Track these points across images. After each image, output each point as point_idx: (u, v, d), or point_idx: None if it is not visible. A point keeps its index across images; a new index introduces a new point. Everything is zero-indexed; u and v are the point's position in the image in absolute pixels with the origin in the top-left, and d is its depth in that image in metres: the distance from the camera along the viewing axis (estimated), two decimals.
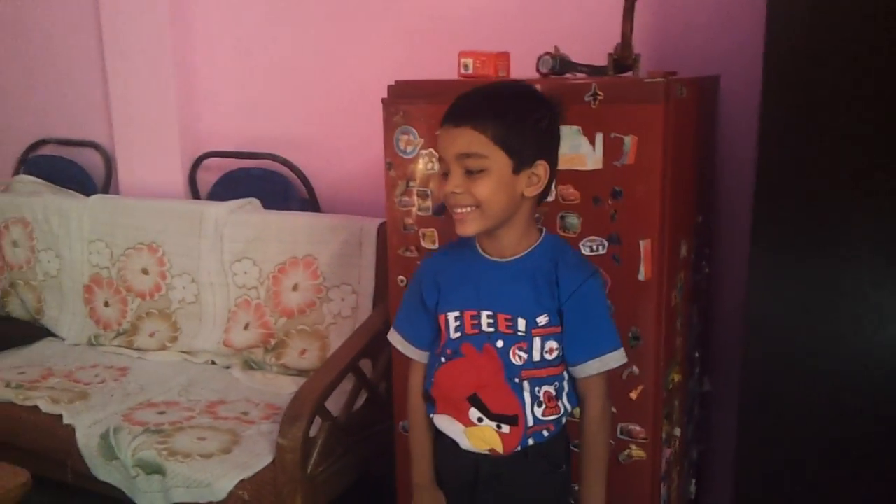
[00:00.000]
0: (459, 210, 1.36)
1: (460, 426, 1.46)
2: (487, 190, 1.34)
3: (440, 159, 1.38)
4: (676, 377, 1.81)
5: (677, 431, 1.85)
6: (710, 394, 2.23)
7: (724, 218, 2.20)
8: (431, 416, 1.52)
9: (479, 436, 1.44)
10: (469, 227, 1.37)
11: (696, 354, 2.04)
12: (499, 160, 1.34)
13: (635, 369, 1.66)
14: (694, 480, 2.15)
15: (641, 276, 1.62)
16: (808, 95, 1.58)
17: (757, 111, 1.63)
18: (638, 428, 1.69)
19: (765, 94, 1.62)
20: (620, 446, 1.71)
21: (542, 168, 1.37)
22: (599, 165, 1.62)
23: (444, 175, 1.37)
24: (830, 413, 1.69)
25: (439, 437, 1.53)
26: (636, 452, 1.70)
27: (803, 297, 1.66)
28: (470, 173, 1.34)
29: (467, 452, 1.47)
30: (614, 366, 1.42)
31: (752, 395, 1.77)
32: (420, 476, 1.56)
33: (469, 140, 1.33)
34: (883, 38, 1.49)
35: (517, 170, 1.35)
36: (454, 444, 1.48)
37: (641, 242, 1.61)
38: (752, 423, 1.79)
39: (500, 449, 1.44)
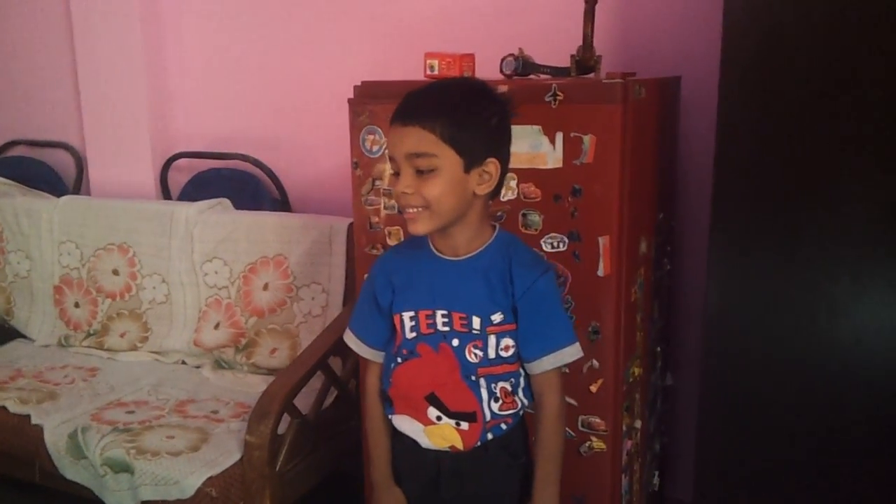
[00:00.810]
0: (410, 210, 1.34)
1: (420, 425, 1.46)
2: (437, 190, 1.32)
3: (391, 159, 1.36)
4: (637, 371, 1.85)
5: (638, 424, 1.89)
6: (672, 388, 2.27)
7: (686, 216, 2.25)
8: (390, 416, 1.51)
9: (438, 434, 1.44)
10: (420, 226, 1.35)
11: (659, 349, 2.08)
12: (449, 159, 1.32)
13: (595, 363, 1.69)
14: (657, 473, 2.19)
15: (601, 272, 1.66)
16: (765, 97, 1.62)
17: (716, 112, 1.68)
18: (598, 420, 1.73)
19: (723, 96, 1.66)
20: (581, 438, 1.75)
21: (492, 166, 1.36)
22: (560, 164, 1.65)
23: (396, 174, 1.36)
24: (787, 404, 1.73)
25: (398, 437, 1.52)
26: (597, 444, 1.74)
27: (761, 292, 1.70)
28: (420, 173, 1.32)
29: (427, 450, 1.47)
30: (569, 360, 1.42)
31: (712, 388, 1.81)
32: (379, 475, 1.56)
33: (418, 139, 1.31)
34: (837, 41, 1.54)
35: (468, 168, 1.34)
36: (414, 442, 1.48)
37: (600, 239, 1.65)
38: (712, 416, 1.82)
39: (460, 445, 1.44)
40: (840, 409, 1.69)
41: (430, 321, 1.43)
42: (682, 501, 2.34)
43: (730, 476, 1.83)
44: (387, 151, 1.78)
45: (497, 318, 1.40)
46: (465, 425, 1.42)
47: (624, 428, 1.79)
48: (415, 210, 1.34)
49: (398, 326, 1.46)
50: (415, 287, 1.45)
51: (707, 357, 1.80)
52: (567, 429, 1.73)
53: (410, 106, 1.34)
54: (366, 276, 1.90)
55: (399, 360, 1.46)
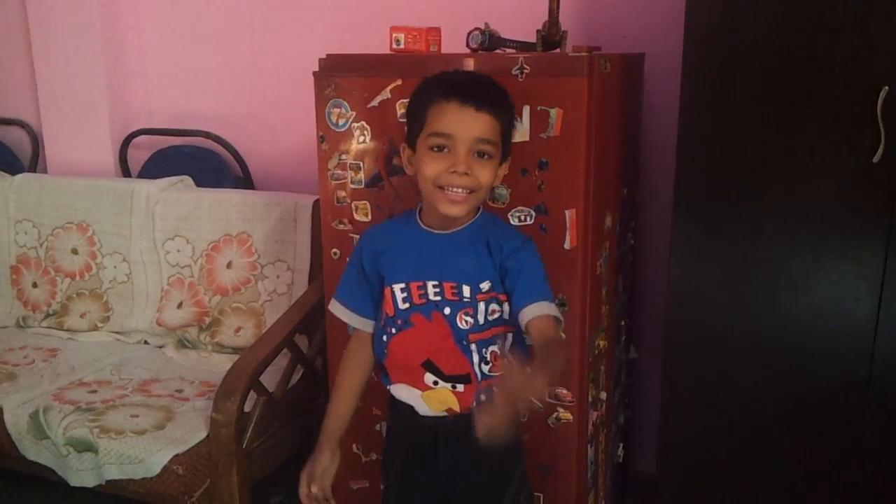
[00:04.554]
0: (457, 191, 1.41)
1: (417, 391, 1.53)
2: (491, 176, 1.44)
3: (437, 134, 1.41)
4: (602, 343, 1.87)
5: (603, 395, 1.92)
6: (636, 361, 2.31)
7: (649, 192, 2.28)
8: (388, 386, 1.58)
9: (436, 398, 1.52)
10: (462, 208, 1.44)
11: (623, 323, 2.11)
12: (499, 150, 1.45)
13: (562, 335, 1.71)
14: (622, 445, 2.23)
15: (567, 245, 1.68)
16: (727, 74, 1.64)
17: (679, 89, 1.70)
18: (565, 391, 1.75)
19: (685, 73, 1.68)
20: (549, 409, 1.77)
21: (507, 164, 1.52)
22: (527, 137, 1.66)
23: (436, 149, 1.42)
24: (748, 378, 1.77)
25: (395, 407, 1.59)
26: (564, 415, 1.76)
27: (722, 268, 1.74)
28: (481, 156, 1.42)
29: (425, 417, 1.54)
30: (549, 312, 1.44)
31: (675, 362, 1.84)
32: (327, 432, 1.61)
33: (489, 127, 1.41)
34: (798, 17, 1.56)
35: (501, 162, 1.47)
36: (412, 410, 1.55)
37: (567, 212, 1.66)
38: (675, 390, 1.86)
39: (456, 408, 1.51)
40: (800, 381, 1.73)
41: (422, 292, 1.50)
42: (646, 473, 2.39)
43: (692, 449, 1.87)
44: (354, 125, 1.81)
45: (485, 286, 1.48)
46: (460, 387, 1.51)
47: (590, 399, 1.81)
48: (463, 192, 1.42)
49: (389, 298, 1.52)
50: (404, 260, 1.52)
51: (669, 331, 1.83)
52: (535, 400, 1.76)
53: (481, 92, 1.43)
54: (334, 250, 1.93)
55: (394, 330, 1.53)
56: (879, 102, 1.51)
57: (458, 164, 1.39)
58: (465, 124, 1.39)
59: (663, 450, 1.92)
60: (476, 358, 1.50)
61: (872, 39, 1.51)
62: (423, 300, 1.50)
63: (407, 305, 1.51)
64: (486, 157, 1.42)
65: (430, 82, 1.47)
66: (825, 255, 1.65)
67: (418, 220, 1.53)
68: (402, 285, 1.51)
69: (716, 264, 1.75)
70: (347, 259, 1.64)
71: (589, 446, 1.84)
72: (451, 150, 1.40)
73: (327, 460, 1.58)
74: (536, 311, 1.44)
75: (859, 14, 1.52)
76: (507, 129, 1.46)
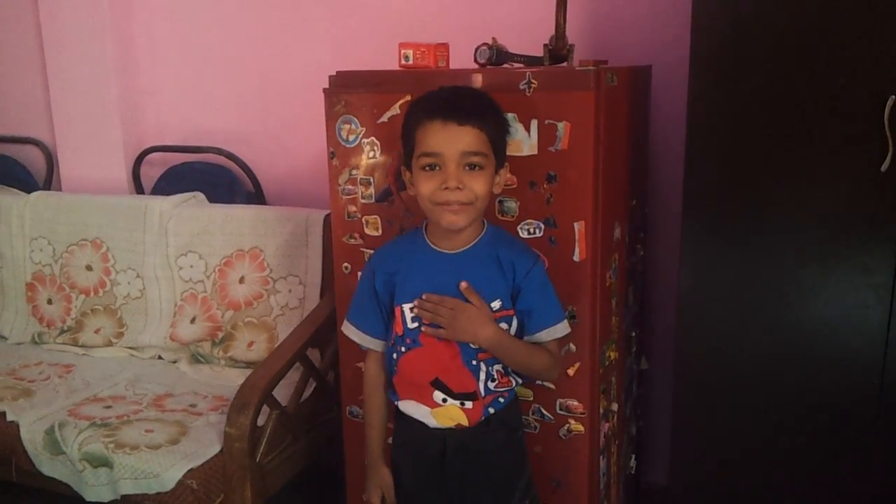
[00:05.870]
0: (454, 204, 1.44)
1: (426, 408, 1.56)
2: (485, 186, 1.45)
3: (426, 154, 1.44)
4: (613, 354, 1.88)
5: (615, 406, 1.92)
6: (648, 372, 2.31)
7: (658, 202, 2.28)
8: (396, 402, 1.61)
9: (445, 414, 1.55)
10: (462, 219, 1.46)
11: (634, 334, 2.12)
12: (490, 159, 1.46)
13: (572, 346, 1.72)
14: (634, 456, 2.22)
15: (576, 257, 1.68)
16: (734, 85, 1.65)
17: (685, 100, 1.71)
18: (576, 403, 1.75)
19: (692, 84, 1.69)
20: (560, 421, 1.77)
21: (505, 171, 1.54)
22: (535, 151, 1.67)
23: (427, 168, 1.45)
24: (760, 387, 1.77)
25: (404, 421, 1.61)
26: (575, 427, 1.76)
27: (731, 277, 1.74)
28: (472, 168, 1.44)
29: (435, 429, 1.57)
30: (561, 335, 1.56)
31: (686, 372, 1.84)
32: (370, 456, 1.67)
33: (474, 139, 1.43)
34: (803, 29, 1.57)
35: (497, 170, 1.49)
36: (421, 423, 1.57)
37: (576, 225, 1.67)
38: (687, 400, 1.86)
39: (465, 423, 1.55)
40: (811, 390, 1.73)
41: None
42: (658, 484, 2.38)
43: (704, 459, 1.87)
44: (365, 141, 1.83)
45: (496, 304, 1.51)
46: (469, 404, 1.54)
47: (601, 410, 1.81)
48: (459, 204, 1.44)
49: (398, 317, 1.55)
50: (415, 279, 1.54)
51: (680, 341, 1.83)
52: (546, 412, 1.78)
53: (463, 107, 1.45)
54: (345, 264, 1.95)
55: (403, 349, 1.55)
56: (886, 111, 1.52)
57: (448, 179, 1.43)
58: (449, 140, 1.42)
59: (675, 460, 1.92)
60: (483, 376, 1.53)
61: (879, 49, 1.52)
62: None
63: (416, 325, 1.53)
64: (476, 168, 1.44)
65: (415, 104, 1.52)
66: (834, 264, 1.65)
67: (426, 240, 1.55)
68: (412, 304, 1.53)
69: (725, 274, 1.75)
70: (358, 281, 1.67)
71: (601, 458, 1.84)
72: (442, 167, 1.44)
73: (386, 478, 1.65)
74: (552, 335, 1.55)
75: (865, 24, 1.52)
76: (495, 137, 1.47)
